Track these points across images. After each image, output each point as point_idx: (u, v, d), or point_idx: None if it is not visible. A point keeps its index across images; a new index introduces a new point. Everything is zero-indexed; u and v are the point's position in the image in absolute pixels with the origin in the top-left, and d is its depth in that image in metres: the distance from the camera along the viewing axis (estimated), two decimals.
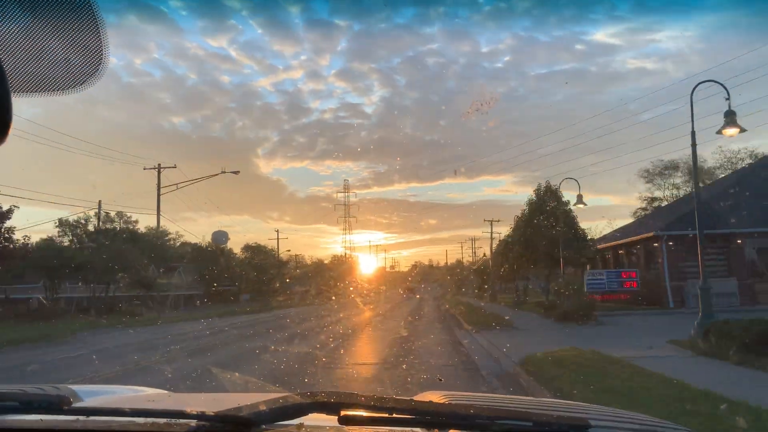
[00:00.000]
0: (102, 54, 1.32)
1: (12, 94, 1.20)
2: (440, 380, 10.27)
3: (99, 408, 1.55)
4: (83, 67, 1.33)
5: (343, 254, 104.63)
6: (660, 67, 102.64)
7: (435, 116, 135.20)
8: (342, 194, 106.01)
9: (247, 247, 70.44)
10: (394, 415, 1.31)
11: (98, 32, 1.30)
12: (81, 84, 1.36)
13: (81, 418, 1.43)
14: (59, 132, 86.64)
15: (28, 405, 1.48)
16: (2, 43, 1.23)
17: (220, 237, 56.41)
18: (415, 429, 1.35)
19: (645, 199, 55.24)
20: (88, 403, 1.72)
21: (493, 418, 1.30)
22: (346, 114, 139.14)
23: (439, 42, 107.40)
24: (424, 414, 1.34)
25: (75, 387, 1.91)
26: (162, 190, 42.19)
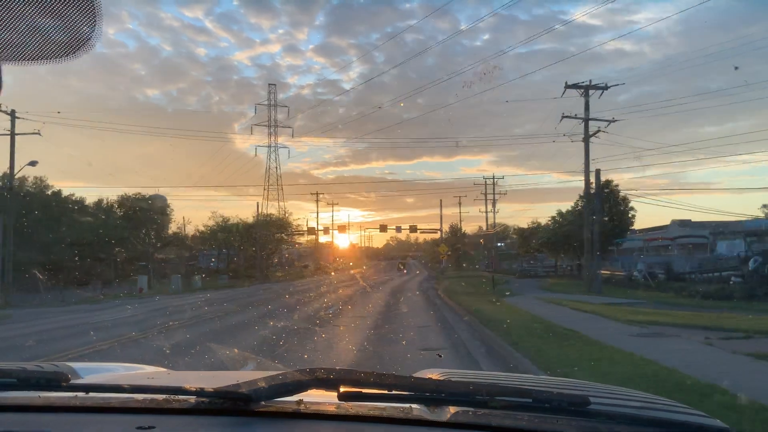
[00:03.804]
0: (96, 21, 1.31)
1: (2, 63, 1.24)
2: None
3: (97, 385, 1.55)
4: (77, 35, 1.32)
5: (266, 212, 66.54)
6: (637, 49, 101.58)
7: (413, 94, 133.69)
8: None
9: (125, 200, 46.70)
10: (394, 392, 1.33)
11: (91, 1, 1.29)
12: (75, 52, 1.35)
13: (80, 394, 1.44)
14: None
15: (27, 382, 1.48)
16: None
17: (157, 201, 49.08)
18: (414, 405, 1.36)
19: None
20: (86, 380, 1.72)
21: (493, 394, 1.33)
22: (324, 90, 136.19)
23: (419, 18, 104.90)
24: (424, 390, 1.36)
25: (74, 364, 1.90)
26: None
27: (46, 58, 1.32)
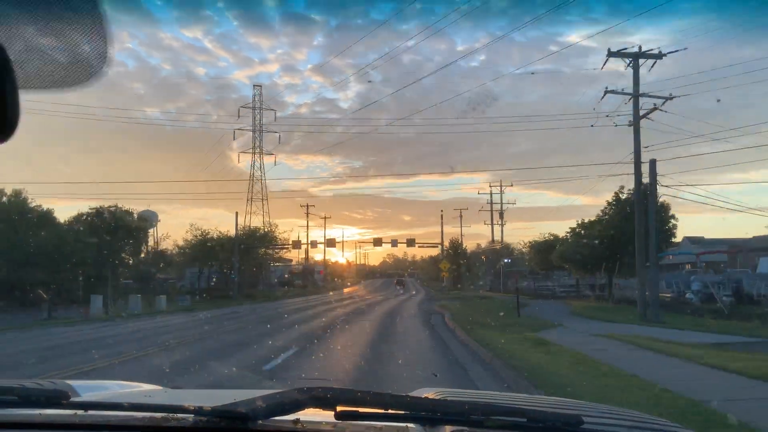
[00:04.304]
0: (106, 49, 1.28)
1: (19, 91, 1.18)
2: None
3: (97, 402, 1.55)
4: (88, 63, 1.29)
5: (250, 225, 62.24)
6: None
7: (410, 113, 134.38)
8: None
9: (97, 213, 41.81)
10: (390, 411, 1.31)
11: (102, 26, 1.25)
12: (87, 80, 1.32)
13: (79, 412, 1.43)
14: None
15: (27, 399, 1.48)
16: (9, 42, 1.21)
17: (147, 217, 46.95)
18: (410, 425, 1.36)
19: None
20: (85, 397, 1.74)
21: (488, 414, 1.31)
22: (322, 109, 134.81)
23: (416, 39, 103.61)
24: (420, 410, 1.35)
25: (72, 382, 1.92)
26: None
27: (57, 87, 1.29)
